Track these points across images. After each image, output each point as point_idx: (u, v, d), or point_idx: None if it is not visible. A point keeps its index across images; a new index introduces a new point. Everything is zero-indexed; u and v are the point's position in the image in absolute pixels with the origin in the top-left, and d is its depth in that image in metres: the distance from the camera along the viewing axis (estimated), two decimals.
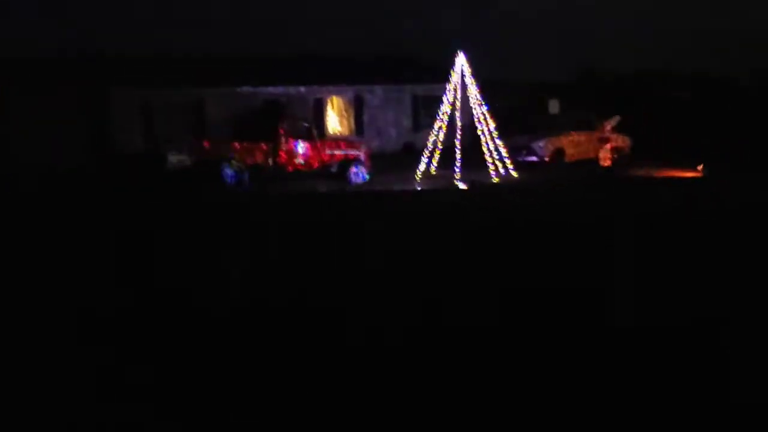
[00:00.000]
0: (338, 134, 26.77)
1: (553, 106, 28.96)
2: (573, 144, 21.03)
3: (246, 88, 23.92)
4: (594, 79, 34.79)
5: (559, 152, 20.69)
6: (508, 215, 12.79)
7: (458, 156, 18.18)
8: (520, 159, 20.70)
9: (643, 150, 22.17)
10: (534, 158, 20.70)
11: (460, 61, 18.73)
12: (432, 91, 27.59)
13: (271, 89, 24.54)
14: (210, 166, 17.11)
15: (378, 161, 22.08)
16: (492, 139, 18.86)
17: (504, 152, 18.90)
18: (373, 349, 5.54)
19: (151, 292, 7.31)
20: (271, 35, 29.96)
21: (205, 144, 17.50)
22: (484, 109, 18.83)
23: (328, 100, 26.81)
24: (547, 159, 20.59)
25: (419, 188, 17.28)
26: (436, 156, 19.12)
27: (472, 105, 18.68)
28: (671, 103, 26.84)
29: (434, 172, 19.22)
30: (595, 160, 21.36)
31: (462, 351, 5.47)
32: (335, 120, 27.19)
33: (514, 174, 18.86)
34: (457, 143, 18.18)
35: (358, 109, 27.26)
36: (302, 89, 25.70)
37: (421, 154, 19.20)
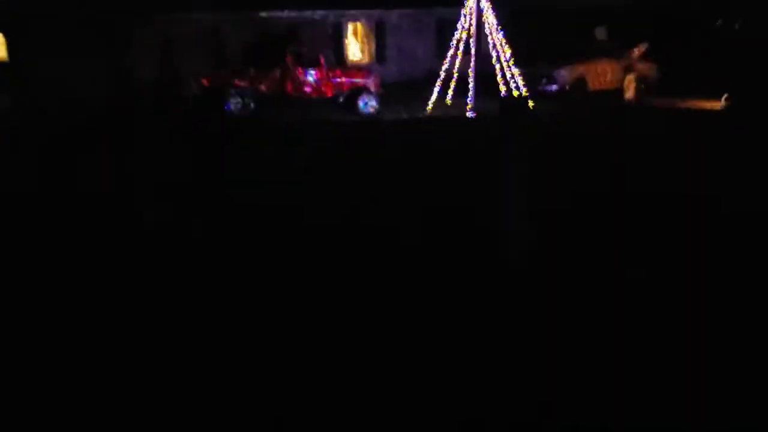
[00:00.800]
0: (357, 61, 26.17)
1: (600, 33, 27.35)
2: (596, 73, 20.09)
3: (262, 13, 23.33)
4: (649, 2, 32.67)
5: (580, 81, 19.82)
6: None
7: (471, 85, 17.59)
8: (540, 88, 20.00)
9: (674, 79, 21.08)
10: (554, 87, 19.90)
11: None
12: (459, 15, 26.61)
13: (287, 14, 23.90)
14: (215, 96, 16.94)
15: (398, 89, 21.64)
16: (508, 67, 18.18)
17: (520, 81, 18.22)
18: None
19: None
20: None
21: (206, 79, 17.21)
22: (500, 35, 18.04)
23: (348, 26, 26.06)
24: (567, 88, 19.76)
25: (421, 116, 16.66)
26: (452, 85, 18.61)
27: (487, 31, 17.89)
28: (708, 29, 25.28)
29: (449, 102, 18.76)
30: (620, 90, 20.50)
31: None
32: (355, 46, 26.50)
33: (530, 103, 18.18)
34: (470, 72, 17.56)
35: (379, 34, 26.45)
36: (321, 14, 24.96)
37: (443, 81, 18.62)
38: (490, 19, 17.90)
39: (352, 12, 25.71)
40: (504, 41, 18.06)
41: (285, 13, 23.86)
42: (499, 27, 18.03)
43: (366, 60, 26.59)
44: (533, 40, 25.48)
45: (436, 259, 6.13)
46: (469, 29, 17.97)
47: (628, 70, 20.61)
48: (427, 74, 26.40)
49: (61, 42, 20.47)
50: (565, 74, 19.64)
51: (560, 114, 17.35)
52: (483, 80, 17.95)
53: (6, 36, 20.26)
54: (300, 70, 17.46)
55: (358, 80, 18.07)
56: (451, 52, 18.23)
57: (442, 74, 18.40)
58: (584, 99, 19.48)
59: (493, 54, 17.79)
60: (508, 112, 5.15)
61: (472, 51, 17.73)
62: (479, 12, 17.88)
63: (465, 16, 18.03)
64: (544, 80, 19.90)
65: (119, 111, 18.53)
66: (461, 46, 18.06)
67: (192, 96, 17.27)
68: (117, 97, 20.37)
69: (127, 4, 21.22)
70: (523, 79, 19.86)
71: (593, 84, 20.08)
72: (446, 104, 18.66)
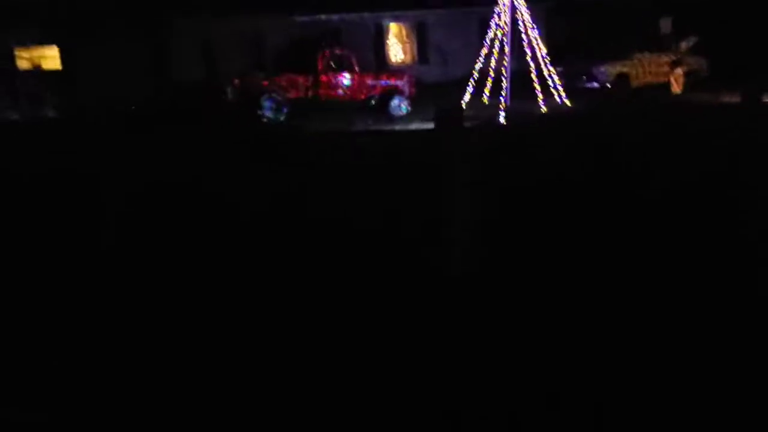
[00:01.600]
0: (399, 63, 26.10)
1: (665, 26, 26.24)
2: (639, 68, 19.37)
3: (303, 17, 23.55)
4: None
5: (622, 77, 19.13)
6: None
7: (504, 85, 17.27)
8: (580, 86, 19.47)
9: (726, 73, 20.08)
10: (595, 84, 19.30)
11: None
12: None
13: (328, 17, 24.04)
14: (250, 101, 17.19)
15: (438, 90, 21.35)
16: (545, 65, 17.77)
17: (557, 79, 17.78)
18: None
19: None
20: None
21: (236, 81, 17.51)
22: (535, 33, 17.64)
23: (390, 27, 26.02)
24: (609, 85, 19.13)
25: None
26: (488, 84, 18.35)
27: (521, 28, 17.52)
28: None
29: (486, 102, 18.47)
30: (666, 86, 19.74)
31: None
32: (397, 48, 26.44)
33: (567, 102, 17.73)
34: (504, 71, 17.25)
35: (420, 35, 26.30)
36: (362, 16, 25.01)
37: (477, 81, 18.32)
38: (524, 16, 17.52)
39: (393, 13, 25.65)
40: (539, 38, 17.66)
41: (326, 16, 24.00)
42: (534, 24, 17.64)
43: (408, 61, 26.49)
44: (573, 35, 24.87)
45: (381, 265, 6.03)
46: (503, 27, 17.63)
47: (676, 64, 19.81)
48: (470, 74, 26.14)
49: (108, 49, 21.22)
50: (606, 70, 19.01)
51: (585, 113, 16.71)
52: (522, 79, 17.56)
53: (60, 47, 21.14)
54: (332, 73, 17.53)
55: (391, 83, 18.00)
56: (485, 50, 17.95)
57: (476, 74, 18.13)
58: (627, 95, 18.81)
59: (528, 51, 17.36)
60: (442, 122, 4.97)
61: (506, 49, 17.42)
62: (513, 9, 17.51)
63: (498, 13, 17.70)
64: (583, 77, 19.34)
65: (162, 113, 19.16)
66: (497, 44, 17.75)
67: (226, 100, 17.56)
68: (160, 101, 21.01)
69: (170, 8, 21.83)
70: (562, 77, 19.43)
71: (637, 80, 19.36)
72: (482, 103, 18.35)
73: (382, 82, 17.97)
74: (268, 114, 17.17)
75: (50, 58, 21.33)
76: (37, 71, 21.14)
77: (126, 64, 21.72)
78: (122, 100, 20.85)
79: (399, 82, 18.07)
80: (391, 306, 5.05)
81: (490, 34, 17.83)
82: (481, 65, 18.10)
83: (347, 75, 17.64)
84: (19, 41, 20.65)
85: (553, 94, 17.85)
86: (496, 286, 5.26)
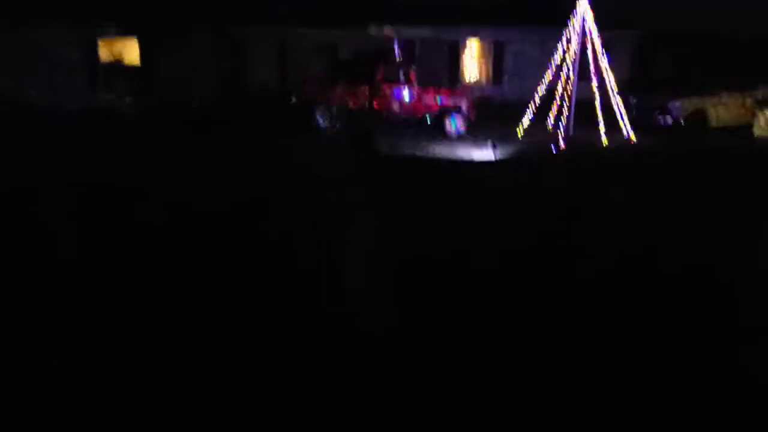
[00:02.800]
0: (473, 83, 25.61)
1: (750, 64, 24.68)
2: (719, 106, 18.10)
3: (375, 30, 23.51)
4: None
5: (699, 115, 17.95)
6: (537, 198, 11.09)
7: (566, 113, 16.58)
8: (653, 121, 18.44)
9: None
10: (669, 120, 18.20)
11: (583, 5, 16.76)
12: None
13: (405, 31, 23.86)
14: (305, 110, 17.22)
15: (507, 112, 20.68)
16: (613, 95, 16.89)
17: (623, 111, 16.86)
18: None
19: None
20: None
21: (296, 92, 17.59)
22: (605, 60, 16.80)
23: (465, 44, 25.57)
24: (683, 123, 17.98)
25: (495, 153, 15.20)
26: (553, 109, 17.67)
27: (590, 56, 16.73)
28: None
29: (550, 129, 17.77)
30: (749, 127, 18.35)
31: None
32: (472, 66, 25.95)
33: (633, 137, 16.76)
34: (566, 97, 16.56)
35: (497, 54, 25.70)
36: (438, 31, 24.69)
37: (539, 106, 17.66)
38: (594, 42, 16.73)
39: (470, 30, 25.20)
40: (608, 66, 16.81)
41: (403, 31, 23.85)
42: (604, 51, 16.82)
43: (482, 81, 25.96)
44: (660, 66, 23.70)
45: None
46: (566, 52, 16.94)
47: (761, 104, 18.40)
48: (547, 97, 25.31)
49: (187, 47, 21.90)
50: (681, 106, 17.88)
51: (649, 153, 15.60)
52: (592, 108, 16.75)
53: (140, 41, 21.96)
54: (389, 86, 17.31)
55: (449, 101, 17.59)
56: (548, 75, 17.28)
57: (537, 99, 17.48)
58: (702, 134, 17.61)
59: (594, 79, 16.54)
60: (354, 145, 4.56)
61: (571, 75, 16.70)
62: (583, 35, 16.76)
63: (566, 38, 17.00)
64: (657, 112, 18.28)
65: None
66: (566, 68, 17.04)
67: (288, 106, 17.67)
68: (233, 99, 21.53)
69: (246, 15, 22.31)
70: (635, 110, 18.50)
71: (716, 119, 18.10)
72: (546, 130, 17.65)
73: (441, 99, 17.57)
74: (322, 123, 17.14)
75: (131, 51, 22.16)
76: (117, 64, 22.02)
77: (203, 63, 22.37)
78: (196, 97, 21.57)
79: (458, 101, 17.62)
80: None
81: (557, 58, 17.13)
82: (545, 90, 17.39)
83: (405, 89, 17.37)
84: (103, 32, 21.54)
85: (620, 127, 16.95)
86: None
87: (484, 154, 14.62)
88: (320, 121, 17.18)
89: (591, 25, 16.73)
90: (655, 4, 26.20)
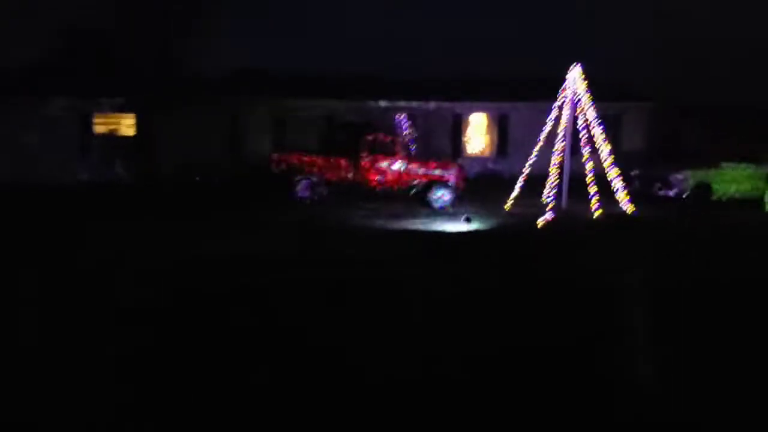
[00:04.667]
0: (475, 154, 25.03)
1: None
2: (725, 179, 17.05)
3: (372, 103, 23.27)
4: None
5: (703, 188, 16.90)
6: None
7: (552, 182, 15.76)
8: (654, 193, 17.46)
9: None
10: (670, 193, 17.18)
11: (575, 74, 16.14)
12: (596, 111, 24.56)
13: (403, 104, 23.58)
14: (284, 179, 16.72)
15: (511, 185, 19.84)
16: (610, 166, 16.01)
17: (619, 183, 15.92)
18: None
19: None
20: (411, 57, 29.49)
21: (276, 157, 17.15)
22: (599, 130, 16.02)
23: (469, 117, 25.13)
24: (684, 196, 16.94)
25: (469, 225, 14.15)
26: (549, 182, 16.77)
27: (580, 126, 15.98)
28: None
29: (544, 201, 16.84)
30: (760, 203, 17.20)
31: None
32: (475, 138, 25.41)
33: (630, 209, 15.73)
34: (552, 168, 15.80)
35: (501, 127, 25.16)
36: (437, 104, 24.35)
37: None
38: (588, 112, 16.01)
39: (473, 104, 24.81)
40: (603, 136, 16.00)
41: (404, 103, 23.58)
42: (600, 121, 16.07)
43: (486, 153, 25.37)
44: (671, 138, 22.88)
45: None
46: (557, 121, 16.26)
47: None
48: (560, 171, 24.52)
49: (182, 119, 21.87)
50: (683, 179, 16.89)
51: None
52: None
53: (136, 115, 22.03)
54: (373, 158, 16.75)
55: (436, 173, 16.91)
56: (538, 146, 16.56)
57: (526, 171, 16.71)
58: (706, 209, 16.49)
59: (586, 150, 15.73)
60: None
61: (561, 146, 15.94)
62: (574, 105, 16.07)
63: (558, 106, 16.33)
64: (658, 184, 17.30)
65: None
66: (560, 140, 16.26)
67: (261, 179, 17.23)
68: (231, 167, 21.26)
69: (243, 89, 22.32)
70: (636, 181, 17.61)
71: (720, 192, 17.03)
72: (540, 203, 16.75)
73: (428, 171, 16.91)
74: (302, 194, 16.58)
75: (126, 125, 22.22)
76: (112, 136, 22.06)
77: (197, 134, 22.25)
78: (190, 167, 21.37)
79: (446, 173, 16.94)
80: None
81: (547, 129, 16.44)
82: (534, 161, 16.65)
83: (390, 161, 16.77)
84: (99, 108, 21.70)
85: (616, 197, 15.99)
86: None
87: (458, 226, 13.75)
88: (300, 191, 16.62)
89: (583, 94, 16.04)
90: (668, 77, 25.72)
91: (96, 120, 21.81)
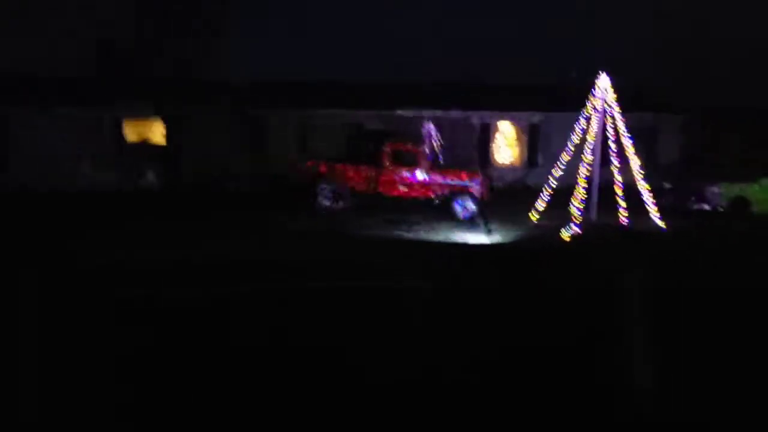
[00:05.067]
0: (505, 165, 24.53)
1: None
2: (764, 193, 16.28)
3: (397, 112, 22.96)
4: None
5: (740, 202, 16.17)
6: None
7: (580, 195, 15.20)
8: (690, 206, 16.80)
9: None
10: (705, 206, 16.49)
11: (603, 83, 15.61)
12: (631, 122, 23.85)
13: (428, 113, 23.21)
14: (306, 188, 16.53)
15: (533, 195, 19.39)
16: (639, 179, 15.43)
17: (648, 197, 15.30)
18: None
19: None
20: (439, 64, 29.34)
21: (299, 166, 16.97)
22: (629, 141, 15.46)
23: (497, 126, 24.65)
24: (721, 209, 16.23)
25: (490, 237, 13.78)
26: (577, 194, 16.21)
27: (610, 137, 15.42)
28: None
29: (573, 213, 16.29)
30: None
31: None
32: (505, 148, 24.91)
33: (661, 223, 15.11)
34: (581, 179, 15.24)
35: (531, 136, 24.63)
36: (465, 113, 23.94)
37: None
38: (617, 122, 15.45)
39: (502, 113, 24.34)
40: (633, 149, 15.43)
41: (427, 113, 23.22)
42: (628, 132, 15.50)
43: (517, 163, 24.85)
44: (708, 150, 22.10)
45: None
46: (585, 132, 15.71)
47: None
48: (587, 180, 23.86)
49: (208, 127, 21.92)
50: (720, 192, 16.18)
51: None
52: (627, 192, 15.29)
53: (165, 122, 22.13)
54: (395, 168, 16.44)
55: (460, 182, 16.52)
56: (566, 157, 16.03)
57: (553, 183, 16.19)
58: (745, 223, 15.77)
59: (614, 162, 15.19)
60: None
61: (590, 158, 15.40)
62: (603, 115, 15.53)
63: (586, 117, 15.80)
64: (693, 198, 16.62)
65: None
66: (588, 151, 15.73)
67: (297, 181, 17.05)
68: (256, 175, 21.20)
69: (267, 97, 22.25)
70: (670, 195, 16.97)
71: (760, 207, 16.27)
72: (569, 213, 16.19)
73: (451, 180, 16.52)
74: (323, 202, 16.35)
75: (155, 132, 22.34)
76: (142, 143, 22.19)
77: (222, 142, 22.27)
78: (216, 175, 21.39)
79: (469, 183, 16.52)
80: None
81: (574, 140, 15.92)
82: (561, 172, 16.12)
83: (413, 171, 16.43)
84: (129, 114, 21.85)
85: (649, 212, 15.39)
86: None
87: (479, 238, 13.34)
88: (321, 200, 16.40)
89: (612, 104, 15.50)
90: (703, 87, 24.88)
91: (126, 127, 21.98)
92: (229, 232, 13.37)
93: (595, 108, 15.62)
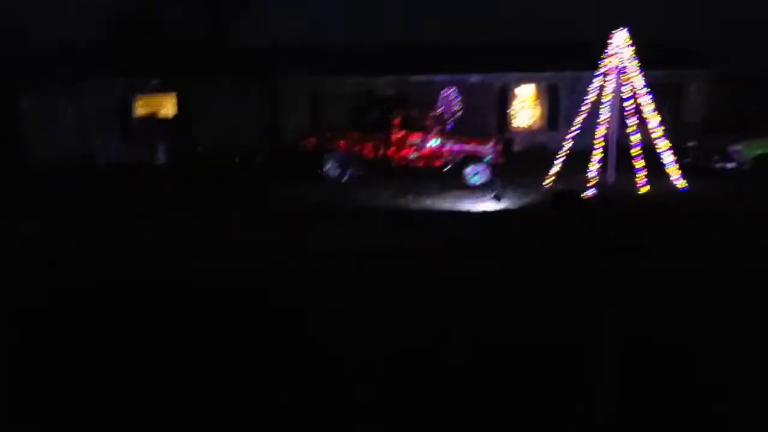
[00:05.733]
0: (524, 128, 23.90)
1: None
2: None
3: (413, 76, 22.41)
4: None
5: (765, 160, 15.43)
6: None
7: (596, 158, 14.66)
8: (713, 165, 16.12)
9: None
10: (730, 165, 15.79)
11: (620, 39, 14.90)
12: (654, 79, 22.97)
13: (445, 77, 22.60)
14: (313, 157, 16.24)
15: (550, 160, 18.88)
16: (659, 138, 14.79)
17: (668, 156, 14.66)
18: None
19: None
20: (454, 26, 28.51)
21: (307, 141, 16.63)
22: (648, 99, 14.79)
23: (515, 89, 23.96)
24: (746, 167, 15.52)
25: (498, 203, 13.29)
26: (595, 157, 15.63)
27: (625, 94, 14.76)
28: None
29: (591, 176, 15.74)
30: None
31: None
32: (523, 111, 24.24)
33: (681, 184, 14.49)
34: (597, 141, 14.68)
35: (551, 99, 23.89)
36: (482, 76, 23.29)
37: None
38: (636, 80, 14.76)
39: (520, 74, 23.62)
40: (653, 106, 14.75)
41: (442, 77, 22.65)
42: (648, 90, 14.80)
43: (536, 127, 24.19)
44: (719, 106, 21.25)
45: None
46: (600, 91, 15.10)
47: None
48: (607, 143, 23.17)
49: (220, 97, 21.64)
50: (743, 149, 15.47)
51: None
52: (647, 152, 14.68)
53: (177, 95, 21.93)
54: (406, 135, 16.03)
55: (473, 148, 16.05)
56: (581, 118, 15.43)
57: (567, 145, 15.62)
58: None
59: (632, 121, 14.55)
60: None
61: (606, 117, 14.81)
62: (620, 73, 14.86)
63: (601, 75, 15.15)
64: (716, 157, 15.93)
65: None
66: (606, 111, 15.10)
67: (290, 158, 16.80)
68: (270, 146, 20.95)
69: (279, 64, 21.85)
70: (692, 154, 16.31)
71: None
72: (586, 178, 15.64)
73: (463, 146, 16.06)
74: (330, 173, 16.07)
75: (167, 105, 22.18)
76: (152, 118, 22.07)
77: (235, 113, 22.01)
78: (228, 147, 21.14)
79: (482, 148, 16.04)
80: None
81: (590, 99, 15.30)
82: (576, 133, 15.54)
83: (423, 137, 16.01)
84: (141, 89, 21.70)
85: (667, 172, 14.77)
86: None
87: (486, 205, 12.91)
88: (330, 170, 16.10)
89: (629, 60, 14.80)
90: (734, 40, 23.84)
91: (137, 100, 21.86)
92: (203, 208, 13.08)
93: (610, 65, 14.97)
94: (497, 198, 12.75)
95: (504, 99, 23.79)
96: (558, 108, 23.93)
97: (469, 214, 12.26)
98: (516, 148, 23.46)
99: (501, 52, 24.46)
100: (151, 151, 21.59)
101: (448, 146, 16.07)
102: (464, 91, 22.83)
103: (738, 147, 15.48)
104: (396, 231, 10.63)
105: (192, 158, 21.13)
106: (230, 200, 14.11)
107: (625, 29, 14.89)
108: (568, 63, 23.18)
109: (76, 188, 16.16)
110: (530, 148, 22.81)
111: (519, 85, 23.96)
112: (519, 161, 19.07)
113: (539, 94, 24.10)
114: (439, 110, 17.07)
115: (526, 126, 24.21)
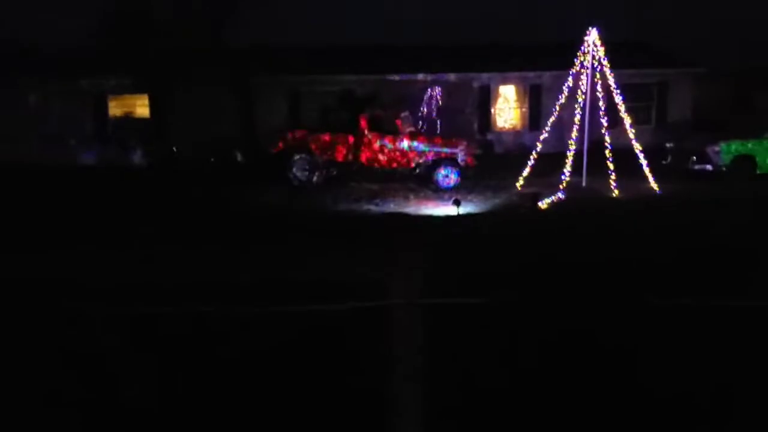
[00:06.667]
0: (506, 129, 23.51)
1: None
2: None
3: (390, 76, 22.00)
4: None
5: (744, 161, 15.02)
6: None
7: (569, 160, 14.28)
8: (691, 167, 15.73)
9: None
10: (708, 167, 15.38)
11: (592, 39, 14.52)
12: (637, 78, 22.66)
13: (421, 77, 22.24)
14: (281, 160, 15.84)
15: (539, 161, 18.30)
16: (632, 139, 14.40)
17: (642, 158, 14.28)
18: None
19: None
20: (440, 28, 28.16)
21: (279, 141, 16.22)
22: (620, 99, 14.41)
23: (497, 89, 23.55)
24: (724, 169, 15.11)
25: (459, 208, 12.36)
26: (568, 160, 15.20)
27: (599, 95, 14.39)
28: None
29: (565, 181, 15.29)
30: None
31: None
32: (505, 111, 23.83)
33: (654, 186, 14.10)
34: (570, 142, 14.31)
35: (533, 99, 23.48)
36: (462, 76, 22.88)
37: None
38: (608, 80, 14.39)
39: (500, 74, 23.22)
40: (623, 106, 14.38)
41: (421, 76, 22.28)
42: (619, 90, 14.43)
43: (518, 127, 23.80)
44: (703, 106, 20.90)
45: None
46: (573, 90, 14.73)
47: None
48: (590, 145, 22.77)
49: (196, 98, 21.21)
50: (721, 150, 15.06)
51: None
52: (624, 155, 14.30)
53: (150, 95, 21.50)
54: (374, 136, 15.63)
55: (443, 150, 15.66)
56: (551, 119, 15.07)
57: (539, 146, 15.25)
58: (749, 183, 14.61)
59: (603, 122, 14.19)
60: None
61: (578, 118, 14.45)
62: (593, 73, 14.49)
63: (573, 75, 14.78)
64: (693, 158, 15.53)
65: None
66: (578, 112, 14.73)
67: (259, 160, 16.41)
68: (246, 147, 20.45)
69: (258, 65, 21.46)
70: (670, 156, 15.97)
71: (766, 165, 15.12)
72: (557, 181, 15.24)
73: (434, 148, 15.67)
74: (297, 174, 15.66)
75: (141, 106, 21.79)
76: (127, 118, 21.68)
77: (213, 113, 21.57)
78: (206, 147, 20.71)
79: (454, 150, 15.67)
80: None
81: (561, 101, 14.93)
82: (546, 136, 15.19)
83: (394, 139, 15.61)
84: (113, 90, 21.31)
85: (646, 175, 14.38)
86: None
87: (448, 210, 12.49)
88: (296, 172, 15.70)
89: (602, 60, 14.43)
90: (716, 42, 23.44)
91: (110, 101, 21.46)
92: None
93: (582, 64, 14.60)
94: (457, 203, 12.31)
95: (486, 100, 23.38)
96: (540, 109, 23.52)
97: (429, 219, 11.86)
98: (498, 149, 23.10)
99: (482, 52, 24.10)
100: (127, 153, 21.21)
101: (418, 148, 15.67)
102: (444, 91, 22.57)
103: (716, 148, 15.06)
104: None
105: (167, 160, 20.72)
106: (176, 206, 13.10)
107: (595, 29, 14.50)
108: (551, 63, 22.78)
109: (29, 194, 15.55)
110: (512, 148, 22.42)
111: (500, 86, 23.56)
112: (498, 163, 18.67)
113: (521, 94, 23.70)
114: (423, 111, 16.70)
115: (509, 127, 23.82)
